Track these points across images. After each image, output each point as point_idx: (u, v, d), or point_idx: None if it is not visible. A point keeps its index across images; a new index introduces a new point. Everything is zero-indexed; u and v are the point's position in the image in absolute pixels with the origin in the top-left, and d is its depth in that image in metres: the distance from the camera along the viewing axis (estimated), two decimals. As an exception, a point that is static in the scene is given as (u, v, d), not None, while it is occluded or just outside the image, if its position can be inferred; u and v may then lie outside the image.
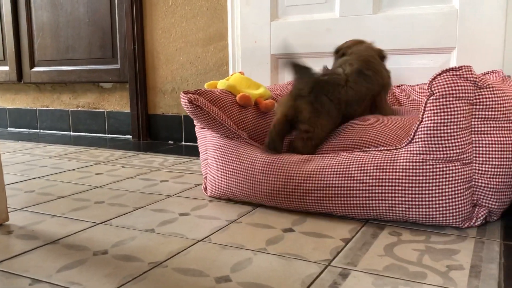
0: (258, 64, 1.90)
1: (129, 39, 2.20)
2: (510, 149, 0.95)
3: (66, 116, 2.54)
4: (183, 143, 2.18)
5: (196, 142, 1.90)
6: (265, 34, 1.89)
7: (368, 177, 0.98)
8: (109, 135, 2.42)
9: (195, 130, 1.33)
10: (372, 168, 0.99)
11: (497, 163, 0.94)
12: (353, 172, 1.00)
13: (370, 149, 1.04)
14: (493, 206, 0.98)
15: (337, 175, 1.01)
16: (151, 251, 0.85)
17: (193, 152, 1.93)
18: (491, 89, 0.94)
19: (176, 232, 0.95)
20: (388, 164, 0.98)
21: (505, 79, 1.17)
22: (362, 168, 0.99)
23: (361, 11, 1.70)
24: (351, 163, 1.01)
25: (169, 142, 2.21)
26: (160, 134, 2.25)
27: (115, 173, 1.54)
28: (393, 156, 0.99)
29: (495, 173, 0.95)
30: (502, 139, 0.94)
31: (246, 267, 0.78)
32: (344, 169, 1.01)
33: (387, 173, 0.97)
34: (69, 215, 1.08)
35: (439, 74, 0.95)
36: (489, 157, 0.94)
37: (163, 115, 2.23)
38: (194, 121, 1.26)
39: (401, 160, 0.97)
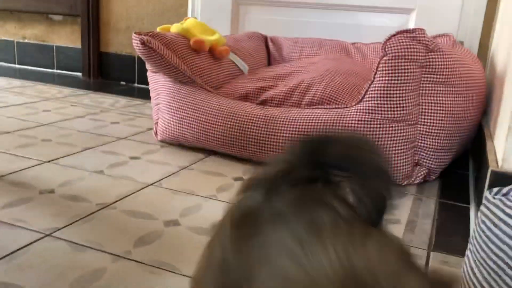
0: (218, 9, 1.86)
1: (82, -30, 2.07)
2: (453, 112, 0.99)
3: (11, 47, 2.40)
4: (136, 84, 2.12)
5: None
6: (227, -23, 1.83)
7: (318, 132, 1.01)
8: (58, 71, 2.31)
9: (147, 74, 1.29)
10: (322, 123, 1.01)
11: (440, 125, 0.99)
12: (304, 125, 1.02)
13: (322, 107, 1.06)
14: (432, 166, 1.03)
15: (288, 127, 1.03)
16: (99, 193, 0.85)
17: (146, 95, 1.88)
18: (441, 53, 0.97)
19: (126, 175, 0.95)
20: (338, 121, 1.00)
21: (455, 44, 1.21)
22: (313, 123, 1.01)
23: (326, -37, 1.68)
24: (303, 118, 1.03)
25: (121, 82, 2.15)
26: (112, 73, 2.18)
27: (64, 111, 1.49)
28: (343, 114, 1.01)
29: (437, 134, 1.00)
30: (446, 102, 0.99)
31: (196, 213, 0.79)
32: (295, 122, 1.03)
33: (336, 129, 1.00)
34: (15, 151, 1.05)
35: (394, 35, 0.97)
36: (433, 119, 0.99)
37: (116, 54, 2.15)
38: (146, 64, 1.23)
39: (351, 118, 1.00)
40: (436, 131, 0.99)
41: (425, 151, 1.01)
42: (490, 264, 0.44)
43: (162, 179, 0.94)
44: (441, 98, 0.98)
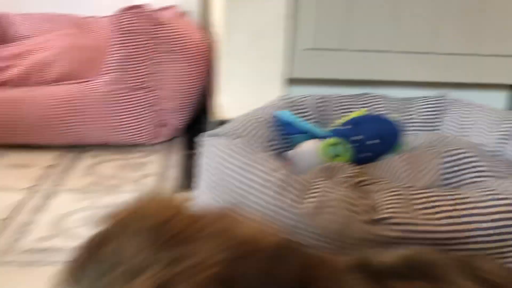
0: None
1: None
2: (182, 76, 1.16)
3: None
4: None
5: None
6: None
7: (67, 108, 1.06)
8: None
9: None
10: (67, 99, 1.06)
11: (174, 88, 1.15)
12: (49, 102, 1.05)
13: (65, 83, 1.11)
14: (175, 124, 1.20)
15: (33, 106, 1.04)
16: None
17: None
18: (167, 25, 1.13)
19: None
20: (83, 94, 1.07)
21: (181, 15, 1.38)
22: (59, 99, 1.05)
23: None
24: (48, 95, 1.05)
25: None
26: None
27: None
28: (87, 87, 1.08)
29: (174, 97, 1.16)
30: (176, 68, 1.15)
31: None
32: (40, 100, 1.05)
33: (84, 103, 1.06)
34: None
35: (123, 12, 1.07)
36: (168, 84, 1.14)
37: None
38: None
39: (95, 91, 1.07)
40: (172, 94, 1.15)
41: (167, 113, 1.17)
42: (211, 182, 0.60)
43: None
44: (171, 65, 1.14)
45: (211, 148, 0.60)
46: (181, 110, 1.19)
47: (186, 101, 1.19)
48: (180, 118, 1.20)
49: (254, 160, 0.54)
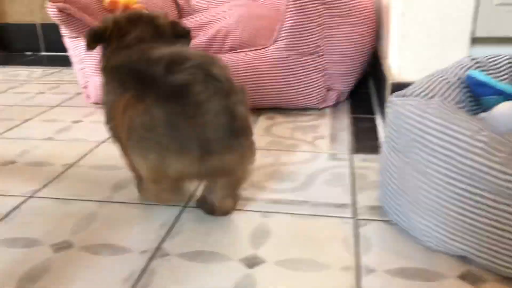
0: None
1: None
2: (352, 40, 1.16)
3: None
4: (44, 53, 2.08)
5: (60, 52, 1.86)
6: None
7: (244, 73, 1.14)
8: (-49, 50, 2.17)
9: (65, 40, 1.32)
10: (245, 65, 1.14)
11: (343, 53, 1.16)
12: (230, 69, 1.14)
13: (243, 50, 1.19)
14: (342, 89, 1.21)
15: (217, 73, 1.14)
16: (59, 156, 0.92)
17: (58, 62, 1.87)
18: (339, -10, 1.13)
19: (76, 138, 1.02)
20: (260, 61, 1.14)
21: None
22: (238, 66, 1.14)
23: None
24: (228, 62, 1.15)
25: (27, 53, 2.09)
26: (14, 45, 2.10)
27: (-19, 89, 1.47)
28: (262, 54, 1.14)
29: (342, 61, 1.17)
30: (346, 32, 1.15)
31: (154, 157, 0.90)
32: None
33: (259, 69, 1.13)
34: (-47, 134, 1.06)
35: (299, -22, 1.10)
36: (337, 49, 1.15)
37: (16, 24, 2.07)
38: (64, 30, 1.26)
39: (270, 57, 1.13)
40: (341, 58, 1.17)
41: (335, 77, 1.19)
42: (398, 144, 0.61)
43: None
44: (341, 30, 1.15)
45: (402, 109, 0.60)
46: (348, 74, 1.20)
47: (354, 65, 1.20)
48: (347, 82, 1.21)
49: (456, 120, 0.53)
